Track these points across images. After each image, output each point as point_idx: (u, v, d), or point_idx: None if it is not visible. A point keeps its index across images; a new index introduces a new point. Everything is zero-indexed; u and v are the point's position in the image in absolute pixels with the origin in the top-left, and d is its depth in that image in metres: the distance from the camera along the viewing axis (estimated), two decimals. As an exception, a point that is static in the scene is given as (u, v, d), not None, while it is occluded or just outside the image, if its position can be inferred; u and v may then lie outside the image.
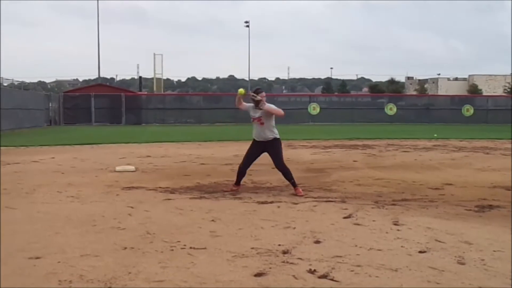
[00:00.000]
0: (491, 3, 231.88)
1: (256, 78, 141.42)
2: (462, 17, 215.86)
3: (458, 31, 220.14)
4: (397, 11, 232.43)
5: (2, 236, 6.34)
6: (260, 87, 10.37)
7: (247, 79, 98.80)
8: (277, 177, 10.57)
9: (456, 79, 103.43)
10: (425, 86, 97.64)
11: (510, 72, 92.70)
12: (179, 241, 6.11)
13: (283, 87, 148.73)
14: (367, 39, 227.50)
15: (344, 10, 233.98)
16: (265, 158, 15.73)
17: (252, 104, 9.79)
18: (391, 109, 46.85)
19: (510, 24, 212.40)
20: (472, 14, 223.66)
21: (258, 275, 4.95)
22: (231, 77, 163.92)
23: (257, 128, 9.80)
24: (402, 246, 5.99)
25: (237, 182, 9.97)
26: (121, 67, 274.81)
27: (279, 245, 5.96)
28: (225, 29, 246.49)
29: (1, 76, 33.17)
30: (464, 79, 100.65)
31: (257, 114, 9.68)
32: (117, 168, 12.89)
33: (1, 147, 19.43)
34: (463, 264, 5.35)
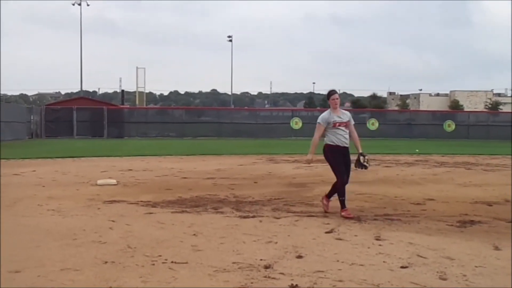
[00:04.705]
0: (458, 16, 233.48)
1: (238, 93, 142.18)
2: (433, 30, 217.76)
3: (431, 45, 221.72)
4: (367, 25, 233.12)
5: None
6: (333, 89, 9.84)
7: (230, 93, 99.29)
8: (259, 192, 10.57)
9: (437, 94, 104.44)
10: (407, 101, 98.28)
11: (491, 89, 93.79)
12: (160, 255, 6.08)
13: (266, 102, 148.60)
14: (346, 52, 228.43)
15: (316, 24, 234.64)
16: (246, 172, 15.73)
17: (328, 113, 9.27)
18: (373, 124, 47.00)
19: (481, 40, 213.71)
20: (442, 28, 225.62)
21: (240, 290, 4.94)
22: (214, 91, 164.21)
23: (341, 133, 9.18)
24: (384, 261, 5.99)
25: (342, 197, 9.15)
26: (103, 80, 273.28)
27: (261, 259, 5.95)
28: (208, 42, 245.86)
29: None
30: (446, 95, 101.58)
31: (344, 119, 9.24)
32: (99, 182, 12.82)
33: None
34: (445, 279, 5.37)
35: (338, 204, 10.07)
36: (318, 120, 9.31)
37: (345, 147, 9.16)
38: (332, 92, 9.37)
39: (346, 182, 9.18)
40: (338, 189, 9.11)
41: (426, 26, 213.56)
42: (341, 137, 9.10)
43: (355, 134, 9.40)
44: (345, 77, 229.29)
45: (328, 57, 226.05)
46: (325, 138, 9.27)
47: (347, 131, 9.20)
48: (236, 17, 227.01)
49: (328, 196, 9.41)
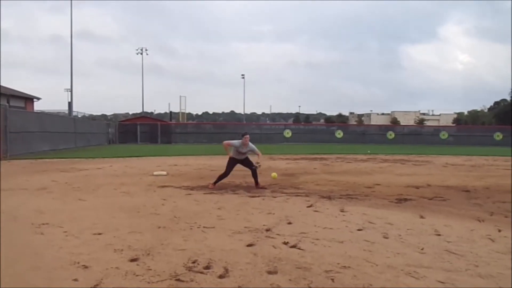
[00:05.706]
0: (392, 62, 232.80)
1: (248, 112, 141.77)
2: (375, 71, 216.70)
3: (375, 81, 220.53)
4: (331, 68, 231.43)
5: (79, 219, 6.30)
6: (247, 132, 10.46)
7: (243, 113, 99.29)
8: (263, 179, 10.54)
9: (382, 114, 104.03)
10: (362, 118, 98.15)
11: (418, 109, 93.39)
12: (196, 222, 6.10)
13: (267, 119, 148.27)
14: (318, 86, 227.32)
15: (296, 67, 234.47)
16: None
17: (238, 143, 9.98)
18: (339, 134, 46.87)
19: (409, 78, 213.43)
20: (382, 70, 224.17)
21: (249, 245, 4.95)
22: (232, 112, 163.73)
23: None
24: (346, 226, 5.99)
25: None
26: (157, 104, 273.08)
27: (264, 225, 5.96)
28: (227, 79, 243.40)
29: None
30: (388, 114, 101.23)
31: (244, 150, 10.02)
32: (154, 173, 12.83)
33: (77, 159, 19.34)
34: (387, 238, 5.37)
35: (315, 188, 10.09)
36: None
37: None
38: (244, 134, 10.09)
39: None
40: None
41: (371, 68, 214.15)
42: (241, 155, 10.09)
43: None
44: (319, 103, 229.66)
45: (306, 89, 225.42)
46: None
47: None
48: (244, 62, 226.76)
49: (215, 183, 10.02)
